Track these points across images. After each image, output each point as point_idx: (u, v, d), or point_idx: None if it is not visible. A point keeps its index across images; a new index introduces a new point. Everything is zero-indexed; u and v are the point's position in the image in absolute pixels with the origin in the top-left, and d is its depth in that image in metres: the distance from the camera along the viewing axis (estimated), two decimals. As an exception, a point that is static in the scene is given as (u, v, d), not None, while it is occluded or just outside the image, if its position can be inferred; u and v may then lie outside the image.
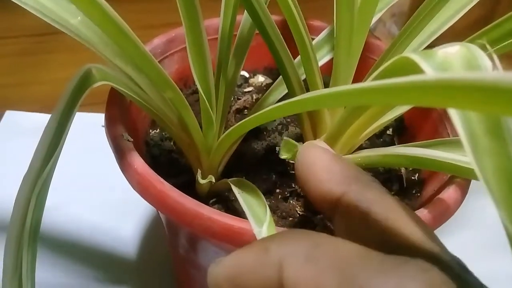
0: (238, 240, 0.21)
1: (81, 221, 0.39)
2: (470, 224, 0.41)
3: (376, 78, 0.19)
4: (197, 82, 0.24)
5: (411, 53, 0.14)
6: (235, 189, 0.23)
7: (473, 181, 0.24)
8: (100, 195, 0.40)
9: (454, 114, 0.12)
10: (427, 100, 0.12)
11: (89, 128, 0.40)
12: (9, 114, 0.46)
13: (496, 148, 0.13)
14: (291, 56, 0.25)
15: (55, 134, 0.20)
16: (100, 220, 0.39)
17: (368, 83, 0.13)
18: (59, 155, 0.20)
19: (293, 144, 0.23)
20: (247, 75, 0.36)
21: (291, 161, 0.30)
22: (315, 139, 0.26)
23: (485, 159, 0.12)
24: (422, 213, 0.22)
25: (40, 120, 0.31)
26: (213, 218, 0.21)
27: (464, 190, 0.23)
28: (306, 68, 0.24)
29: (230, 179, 0.24)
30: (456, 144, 0.24)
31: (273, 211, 0.27)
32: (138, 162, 0.23)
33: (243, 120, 0.21)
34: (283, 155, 0.23)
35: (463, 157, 0.21)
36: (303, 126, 0.26)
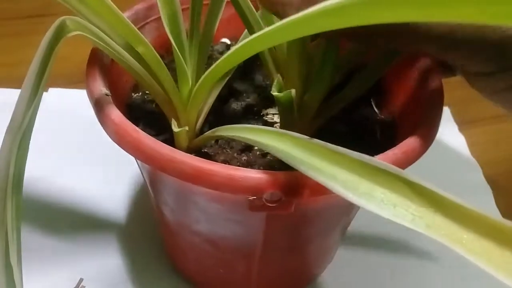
0: (209, 181, 0.22)
1: (72, 189, 0.40)
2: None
3: None
4: (169, 36, 0.25)
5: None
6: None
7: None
8: (93, 164, 0.42)
9: None
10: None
11: (77, 105, 0.42)
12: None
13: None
14: (254, 11, 0.27)
15: (34, 83, 0.21)
16: (91, 188, 0.40)
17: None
18: (39, 103, 0.22)
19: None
20: (228, 42, 0.37)
21: (270, 121, 0.32)
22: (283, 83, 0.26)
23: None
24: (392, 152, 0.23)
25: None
26: (185, 161, 0.22)
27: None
28: (266, 20, 0.26)
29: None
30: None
31: (251, 165, 0.28)
32: (115, 113, 0.24)
33: (211, 67, 0.22)
34: (274, 92, 0.24)
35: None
36: (270, 73, 0.27)
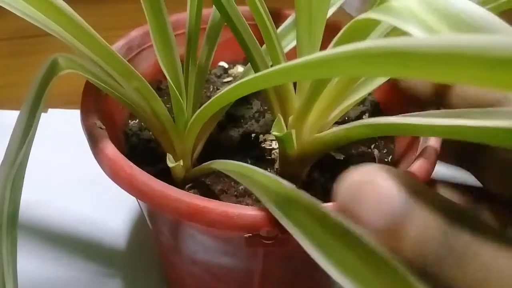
0: (205, 219, 0.21)
1: (69, 215, 0.40)
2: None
3: (335, 45, 0.20)
4: (163, 69, 0.24)
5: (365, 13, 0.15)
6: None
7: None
8: (88, 189, 0.41)
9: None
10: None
11: (78, 125, 0.41)
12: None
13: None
14: (258, 45, 0.26)
15: (27, 123, 0.21)
16: (88, 214, 0.40)
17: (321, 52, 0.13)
18: (31, 142, 0.21)
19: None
20: (226, 65, 0.36)
21: (268, 147, 0.31)
22: (285, 122, 0.26)
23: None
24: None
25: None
26: (179, 198, 0.22)
27: (432, 161, 0.24)
28: (271, 55, 0.25)
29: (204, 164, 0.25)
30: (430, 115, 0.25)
31: (249, 195, 0.28)
32: (109, 148, 0.24)
33: (209, 100, 0.22)
34: (274, 132, 0.23)
35: (429, 120, 0.21)
36: (273, 109, 0.27)
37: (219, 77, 0.36)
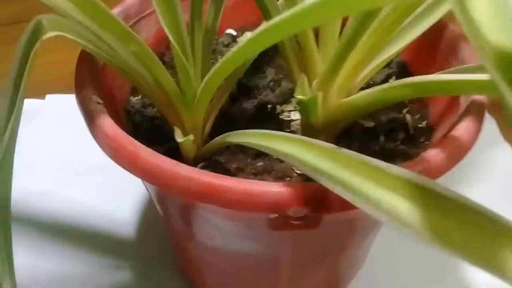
0: (222, 199, 0.18)
1: (76, 206, 0.37)
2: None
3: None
4: (168, 33, 0.21)
5: None
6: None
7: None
8: (95, 178, 0.39)
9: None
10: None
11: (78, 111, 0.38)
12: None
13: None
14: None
15: (12, 93, 0.18)
16: (95, 204, 0.37)
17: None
18: (19, 116, 0.18)
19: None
20: (234, 33, 0.33)
21: (286, 119, 0.28)
22: (308, 84, 0.23)
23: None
24: (432, 153, 0.19)
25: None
26: (191, 177, 0.18)
27: (479, 120, 0.21)
28: (289, 6, 0.22)
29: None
30: (466, 69, 0.22)
31: (268, 172, 0.25)
32: (107, 123, 0.21)
33: (219, 62, 0.19)
34: (298, 95, 0.21)
35: (475, 76, 0.18)
36: (292, 75, 0.24)
37: (227, 46, 0.32)
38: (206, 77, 0.20)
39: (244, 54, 0.18)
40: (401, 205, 0.14)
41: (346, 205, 0.18)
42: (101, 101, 0.22)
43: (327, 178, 0.16)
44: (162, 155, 0.19)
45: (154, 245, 0.35)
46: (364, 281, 0.33)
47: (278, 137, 0.19)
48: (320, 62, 0.23)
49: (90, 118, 0.21)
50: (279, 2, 0.24)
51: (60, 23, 0.19)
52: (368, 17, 0.19)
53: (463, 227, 0.13)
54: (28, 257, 0.33)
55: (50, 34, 0.18)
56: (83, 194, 0.38)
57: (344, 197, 0.15)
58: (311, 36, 0.23)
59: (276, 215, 0.19)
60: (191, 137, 0.21)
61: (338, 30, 0.23)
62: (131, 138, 0.20)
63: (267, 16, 0.23)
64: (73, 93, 0.38)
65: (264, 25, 0.16)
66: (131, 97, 0.28)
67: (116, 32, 0.20)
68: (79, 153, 0.40)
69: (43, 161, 0.40)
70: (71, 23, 0.20)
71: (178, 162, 0.19)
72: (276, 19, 0.15)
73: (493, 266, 0.12)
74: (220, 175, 0.19)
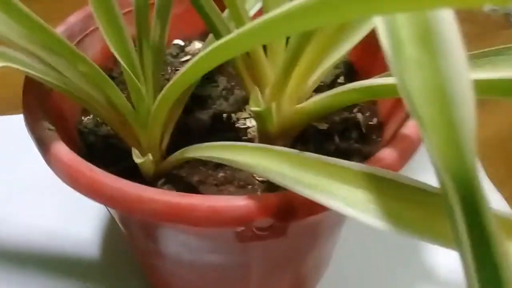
0: (188, 218, 0.18)
1: (35, 230, 0.36)
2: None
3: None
4: (115, 52, 0.21)
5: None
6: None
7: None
8: (51, 199, 0.37)
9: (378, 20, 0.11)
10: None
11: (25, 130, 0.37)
12: None
13: (424, 59, 0.11)
14: (219, 11, 0.23)
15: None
16: (55, 226, 0.36)
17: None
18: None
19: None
20: (182, 43, 0.33)
21: (242, 127, 0.28)
22: (261, 94, 0.23)
23: (411, 72, 0.11)
24: (386, 152, 0.20)
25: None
26: (156, 199, 0.18)
27: None
28: (236, 19, 0.22)
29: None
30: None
31: (230, 182, 0.25)
32: (62, 151, 0.20)
33: (172, 80, 0.19)
34: (252, 107, 0.21)
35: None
36: (244, 83, 0.24)
37: (175, 56, 0.32)
38: (159, 96, 0.20)
39: (198, 71, 0.18)
40: (362, 196, 0.15)
41: (310, 211, 0.19)
42: (52, 127, 0.21)
43: (294, 182, 0.17)
44: (122, 179, 0.19)
45: (121, 263, 0.34)
46: (332, 280, 0.33)
47: (238, 147, 0.19)
48: (270, 70, 0.23)
49: (43, 146, 0.21)
50: (224, 14, 0.24)
51: (6, 54, 0.18)
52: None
53: (413, 207, 0.15)
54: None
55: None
56: (40, 218, 0.37)
57: (313, 199, 0.16)
58: (259, 46, 0.23)
59: (243, 228, 0.19)
60: (150, 156, 0.21)
61: (284, 40, 0.24)
62: (89, 164, 0.20)
63: (213, 29, 0.23)
64: (18, 113, 0.37)
65: (216, 43, 0.16)
66: (83, 117, 0.28)
67: (63, 53, 0.19)
68: (32, 176, 0.39)
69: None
70: (16, 53, 0.19)
71: (140, 185, 0.19)
72: (230, 36, 0.15)
73: (435, 238, 0.14)
74: (184, 193, 0.19)
